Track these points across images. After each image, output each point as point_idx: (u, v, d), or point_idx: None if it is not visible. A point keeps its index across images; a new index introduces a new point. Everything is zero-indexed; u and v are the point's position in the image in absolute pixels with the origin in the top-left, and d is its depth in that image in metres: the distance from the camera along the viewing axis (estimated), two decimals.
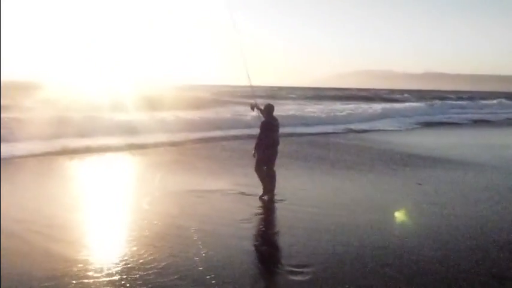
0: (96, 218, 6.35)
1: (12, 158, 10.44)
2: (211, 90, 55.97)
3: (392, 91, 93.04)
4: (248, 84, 8.01)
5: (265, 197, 7.18)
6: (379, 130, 20.72)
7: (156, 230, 5.63)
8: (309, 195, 7.66)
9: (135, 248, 4.96)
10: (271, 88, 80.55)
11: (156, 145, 13.20)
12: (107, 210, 6.72)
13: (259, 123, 7.38)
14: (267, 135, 7.17)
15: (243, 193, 7.53)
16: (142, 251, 4.84)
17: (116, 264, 4.52)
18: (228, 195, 7.48)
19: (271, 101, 8.47)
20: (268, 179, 7.23)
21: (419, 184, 8.64)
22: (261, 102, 7.79)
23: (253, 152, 7.24)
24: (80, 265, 4.46)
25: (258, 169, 7.23)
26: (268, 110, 7.33)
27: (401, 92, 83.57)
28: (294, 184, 8.35)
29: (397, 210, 6.73)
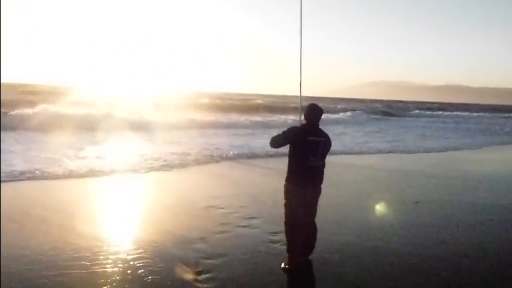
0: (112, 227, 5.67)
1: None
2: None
3: (423, 103, 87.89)
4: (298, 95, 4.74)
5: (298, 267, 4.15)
6: None
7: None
8: None
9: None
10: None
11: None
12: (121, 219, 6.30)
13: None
14: (303, 157, 3.91)
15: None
16: None
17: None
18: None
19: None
20: (300, 238, 4.11)
21: None
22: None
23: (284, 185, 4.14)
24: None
25: (288, 222, 4.15)
26: (312, 113, 4.03)
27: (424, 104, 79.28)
28: None
29: None
